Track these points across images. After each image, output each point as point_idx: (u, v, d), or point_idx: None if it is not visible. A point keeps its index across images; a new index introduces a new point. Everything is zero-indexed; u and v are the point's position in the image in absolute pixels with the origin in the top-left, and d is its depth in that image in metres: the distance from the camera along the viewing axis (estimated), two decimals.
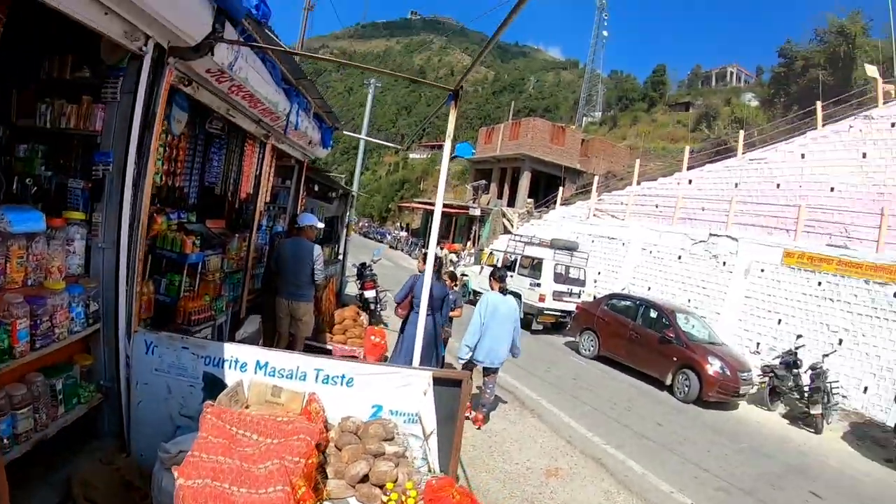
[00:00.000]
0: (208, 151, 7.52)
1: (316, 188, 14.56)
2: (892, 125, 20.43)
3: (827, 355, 14.04)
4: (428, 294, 6.13)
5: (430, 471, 4.66)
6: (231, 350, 4.68)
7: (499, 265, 18.08)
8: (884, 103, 21.92)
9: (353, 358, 9.20)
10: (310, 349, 8.60)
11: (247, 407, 4.37)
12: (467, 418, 8.56)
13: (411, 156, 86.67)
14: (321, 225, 9.99)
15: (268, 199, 9.49)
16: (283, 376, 4.66)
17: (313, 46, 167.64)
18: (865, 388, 14.27)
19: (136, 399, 4.57)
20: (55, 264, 3.94)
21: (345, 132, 19.66)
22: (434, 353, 8.59)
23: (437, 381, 4.94)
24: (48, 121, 4.56)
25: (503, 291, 9.16)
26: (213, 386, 4.50)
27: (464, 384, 5.00)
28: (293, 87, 7.72)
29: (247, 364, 4.64)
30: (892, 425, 11.49)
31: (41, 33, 4.55)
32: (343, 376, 4.77)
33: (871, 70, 27.12)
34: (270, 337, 8.61)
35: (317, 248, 8.42)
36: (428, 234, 37.29)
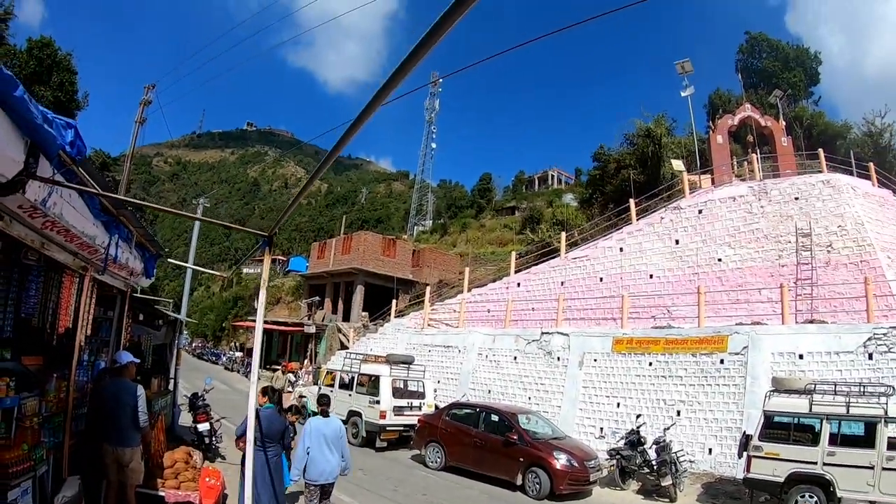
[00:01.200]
0: (25, 281, 6.92)
1: (141, 316, 13.55)
2: (699, 212, 22.29)
3: (668, 428, 14.89)
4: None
5: None
6: None
7: (327, 392, 17.52)
8: (690, 193, 23.77)
9: None
10: (141, 498, 7.98)
11: None
12: None
13: (245, 270, 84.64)
14: (136, 360, 9.11)
15: (88, 332, 8.66)
16: None
17: (148, 154, 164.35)
18: (710, 450, 15.06)
19: None
20: None
21: (171, 260, 18.78)
22: (274, 486, 8.14)
23: None
24: None
25: (325, 414, 8.91)
26: None
27: None
28: (113, 219, 7.27)
29: None
30: (741, 478, 12.40)
31: None
32: None
33: (677, 164, 29.45)
34: (97, 487, 7.74)
35: (139, 389, 7.74)
36: (264, 353, 35.66)
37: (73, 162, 5.42)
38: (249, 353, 50.56)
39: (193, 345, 63.32)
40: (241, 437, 8.01)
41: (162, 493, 8.76)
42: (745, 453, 12.22)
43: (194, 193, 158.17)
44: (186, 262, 25.40)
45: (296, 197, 5.41)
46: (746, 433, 12.63)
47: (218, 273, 50.96)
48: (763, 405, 12.48)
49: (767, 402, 12.39)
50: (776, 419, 12.10)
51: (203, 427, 13.76)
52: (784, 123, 32.98)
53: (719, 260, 21.73)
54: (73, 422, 7.85)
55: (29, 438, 6.11)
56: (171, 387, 16.07)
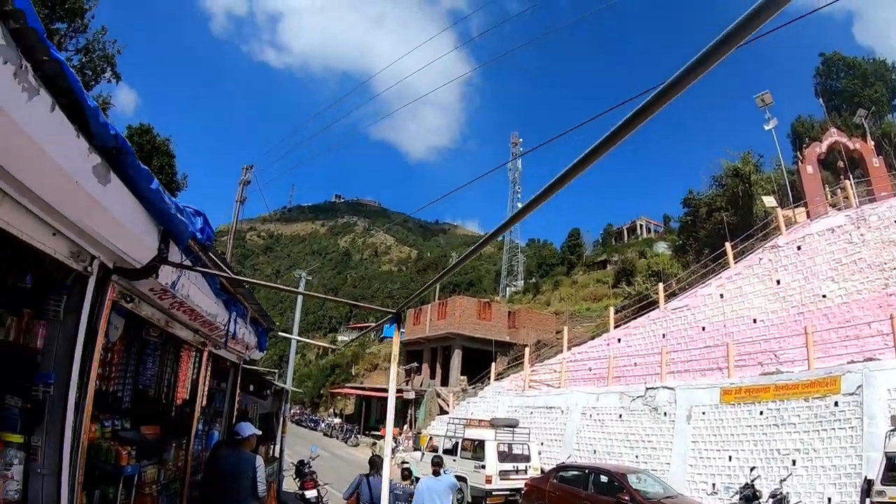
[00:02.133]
0: (142, 355, 7.21)
1: (251, 386, 14.08)
2: (798, 248, 21.77)
3: (784, 479, 14.20)
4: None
5: None
6: None
7: (439, 452, 18.78)
8: (786, 229, 23.24)
9: None
10: None
11: None
12: None
13: (340, 338, 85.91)
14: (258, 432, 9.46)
15: (204, 402, 9.09)
16: None
17: (242, 229, 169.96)
18: (829, 500, 14.20)
19: None
20: None
21: (282, 333, 19.48)
22: None
23: None
24: None
25: (437, 473, 10.03)
26: None
27: None
28: (231, 297, 7.78)
29: None
30: None
31: None
32: None
33: (769, 200, 28.80)
34: None
35: (258, 460, 7.96)
36: (362, 420, 36.33)
37: (203, 248, 5.84)
38: (348, 419, 51.25)
39: (292, 412, 64.56)
40: (348, 498, 9.58)
41: None
42: (867, 500, 11.67)
43: (287, 265, 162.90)
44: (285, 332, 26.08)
45: (433, 281, 5.61)
46: (867, 478, 12.16)
47: (326, 344, 51.93)
48: (883, 446, 11.93)
49: (888, 442, 11.86)
50: None
51: (311, 494, 14.08)
52: (873, 143, 32.01)
53: (824, 296, 20.95)
54: (189, 489, 8.15)
55: None
56: (277, 454, 16.40)
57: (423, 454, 21.06)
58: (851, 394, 15.02)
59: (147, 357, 7.28)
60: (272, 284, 15.34)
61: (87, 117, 3.21)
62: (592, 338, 30.03)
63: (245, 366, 12.25)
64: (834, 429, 15.01)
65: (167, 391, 7.88)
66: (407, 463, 20.77)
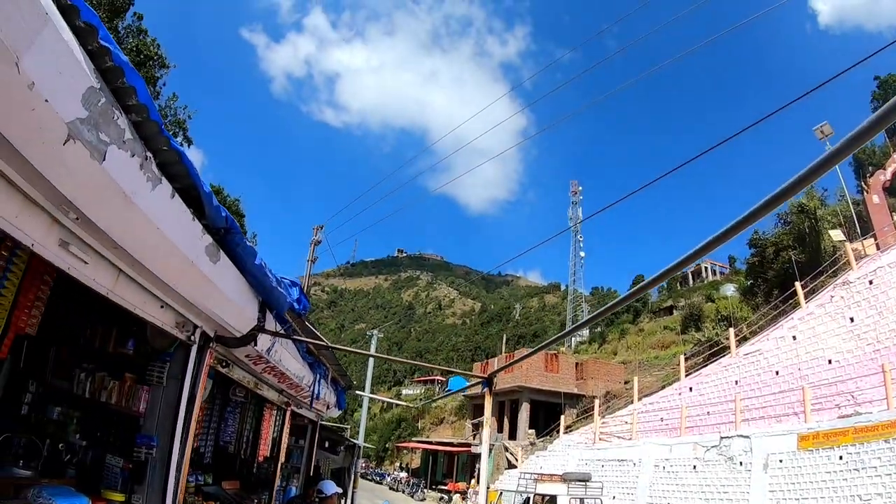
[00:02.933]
0: (224, 412, 7.52)
1: (326, 443, 14.34)
2: (870, 283, 21.19)
3: None
4: None
5: None
6: None
7: None
8: (856, 264, 22.69)
9: None
10: None
11: None
12: None
13: (404, 391, 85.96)
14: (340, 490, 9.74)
15: (283, 459, 9.36)
16: None
17: (307, 285, 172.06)
18: None
19: None
20: None
21: (358, 392, 19.82)
22: None
23: None
24: (87, 391, 4.63)
25: None
26: None
27: None
28: (316, 359, 8.05)
29: None
30: None
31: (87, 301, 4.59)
32: None
33: (836, 234, 28.18)
34: None
35: None
36: (428, 474, 36.14)
37: (298, 317, 6.06)
38: (414, 473, 51.08)
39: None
40: None
41: None
42: None
43: (351, 319, 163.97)
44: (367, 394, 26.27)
45: (532, 351, 5.81)
46: None
47: (398, 401, 52.10)
48: None
49: None
50: None
51: None
52: None
53: None
54: None
55: None
56: None
57: None
58: None
59: (228, 414, 7.58)
60: (360, 350, 15.49)
61: (203, 202, 3.47)
62: (663, 387, 29.54)
63: (323, 423, 12.54)
64: None
65: (247, 447, 8.12)
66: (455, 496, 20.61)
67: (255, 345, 5.20)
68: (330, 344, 7.49)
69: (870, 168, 38.60)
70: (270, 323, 5.34)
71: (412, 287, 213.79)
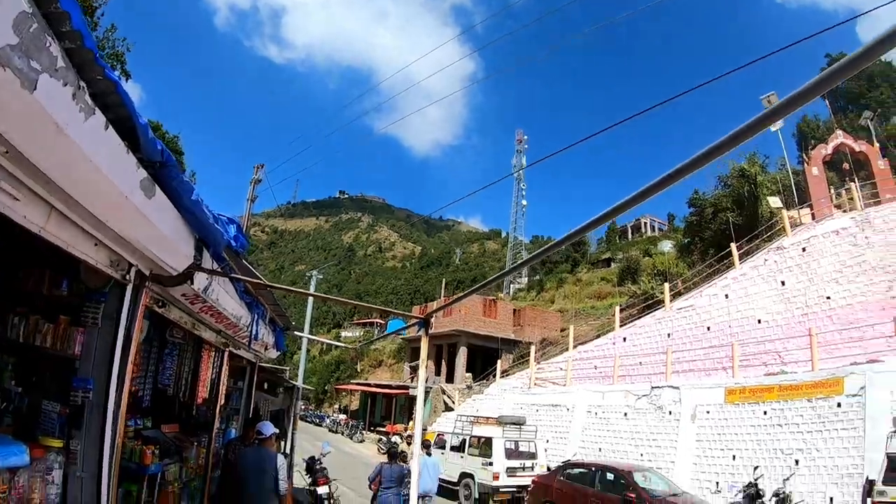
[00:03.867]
0: (162, 354, 7.34)
1: (264, 385, 14.27)
2: (803, 250, 22.06)
3: (787, 479, 14.54)
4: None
5: None
6: None
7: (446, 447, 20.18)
8: (791, 231, 23.53)
9: None
10: None
11: None
12: None
13: (344, 333, 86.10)
14: (278, 431, 9.71)
15: (222, 401, 9.23)
16: None
17: (246, 225, 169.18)
18: (831, 500, 14.42)
19: None
20: (36, 497, 3.75)
21: (297, 332, 19.55)
22: None
23: None
24: (21, 335, 4.47)
25: (429, 453, 14.47)
26: None
27: None
28: (254, 299, 7.89)
29: None
30: None
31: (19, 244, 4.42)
32: None
33: (775, 201, 29.01)
34: None
35: (280, 458, 8.13)
36: (367, 416, 36.19)
37: (235, 255, 5.98)
38: (353, 415, 51.38)
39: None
40: (372, 481, 12.29)
41: None
42: (868, 500, 11.87)
43: (291, 261, 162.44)
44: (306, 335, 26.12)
45: (469, 291, 5.82)
46: (869, 478, 12.37)
47: (340, 344, 52.09)
48: (885, 447, 12.14)
49: (890, 443, 12.06)
50: None
51: (323, 490, 14.10)
52: (878, 145, 32.02)
53: (828, 298, 21.17)
54: (210, 486, 8.39)
55: (170, 502, 6.55)
56: (288, 450, 16.50)
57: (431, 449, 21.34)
58: (854, 395, 15.24)
59: (166, 357, 7.41)
60: (300, 290, 15.24)
61: (138, 134, 3.36)
62: (598, 336, 30.23)
63: (262, 365, 12.47)
64: (836, 429, 15.23)
65: (186, 390, 7.99)
66: (397, 444, 21.00)
67: (192, 284, 5.09)
68: (268, 283, 7.41)
69: (812, 141, 39.50)
70: (207, 261, 5.24)
71: (353, 229, 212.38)
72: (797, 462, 15.65)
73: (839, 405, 15.45)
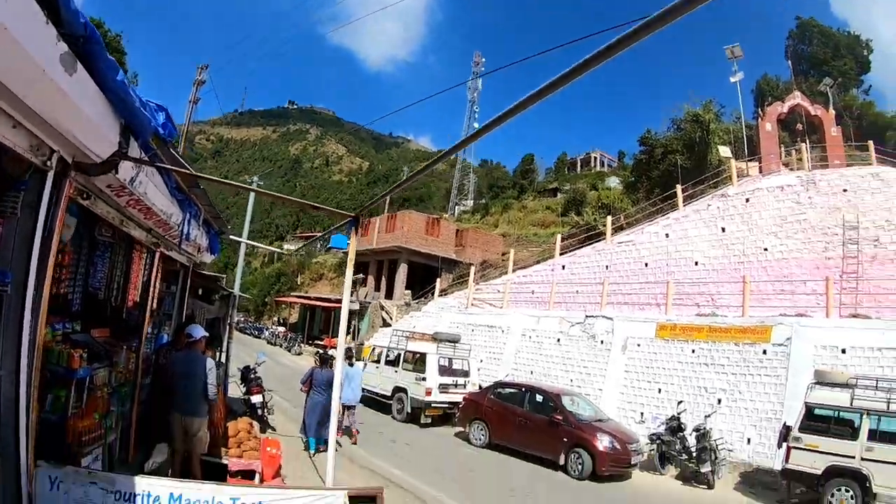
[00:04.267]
0: (93, 256, 7.11)
1: (199, 291, 14.04)
2: (747, 200, 22.44)
3: (708, 416, 15.04)
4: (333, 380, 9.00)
5: None
6: (143, 484, 4.37)
7: (380, 361, 20.72)
8: (737, 181, 23.92)
9: (251, 472, 8.94)
10: (206, 465, 8.26)
11: None
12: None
13: (286, 246, 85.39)
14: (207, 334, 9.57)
15: (154, 305, 9.01)
16: None
17: (190, 132, 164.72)
18: (749, 440, 15.20)
19: None
20: None
21: (232, 237, 19.01)
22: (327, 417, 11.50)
23: (353, 500, 4.82)
24: None
25: (351, 364, 15.21)
26: None
27: (378, 500, 5.00)
28: (186, 197, 7.58)
29: (160, 497, 4.34)
30: (779, 469, 12.60)
31: None
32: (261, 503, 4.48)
33: (725, 151, 29.41)
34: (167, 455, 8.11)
35: (210, 362, 8.14)
36: (306, 329, 36.12)
37: (163, 144, 5.68)
38: (292, 328, 51.22)
39: (236, 319, 64.15)
40: (304, 383, 13.52)
41: (226, 461, 9.02)
42: (784, 444, 12.39)
43: (236, 170, 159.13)
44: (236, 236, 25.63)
45: (388, 191, 5.77)
46: (786, 424, 12.82)
47: (278, 250, 51.41)
48: (805, 397, 12.59)
49: (809, 393, 12.51)
50: (817, 412, 12.24)
51: (256, 399, 14.14)
52: (834, 112, 32.55)
53: (765, 249, 21.75)
54: (140, 391, 8.23)
55: (100, 408, 6.41)
56: (223, 360, 16.33)
57: (366, 363, 21.48)
58: (780, 344, 15.86)
59: (97, 259, 7.20)
60: (230, 182, 14.93)
61: (58, 3, 3.16)
62: (538, 262, 30.58)
63: (195, 269, 12.18)
64: (760, 375, 15.92)
65: (118, 294, 7.80)
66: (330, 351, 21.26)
67: (117, 173, 4.86)
68: (198, 174, 7.13)
69: (770, 98, 39.91)
70: (135, 150, 5.02)
71: (301, 141, 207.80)
72: (720, 401, 16.33)
73: (765, 352, 16.10)
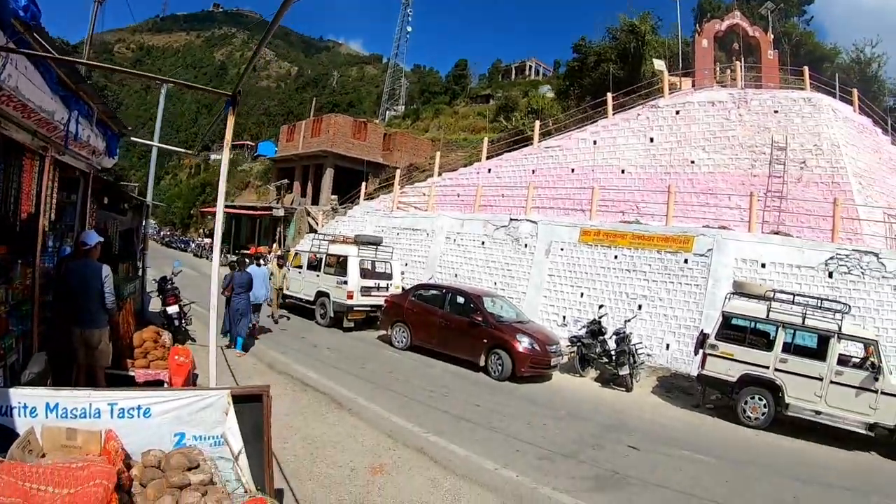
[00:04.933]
0: None
1: (106, 200, 13.23)
2: (677, 112, 22.39)
3: (629, 320, 15.31)
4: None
5: (245, 492, 4.22)
6: (17, 395, 4.04)
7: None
8: (669, 93, 23.74)
9: (159, 383, 8.69)
10: (111, 379, 7.98)
11: (42, 456, 3.74)
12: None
13: (212, 157, 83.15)
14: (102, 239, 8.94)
15: (52, 217, 8.34)
16: (76, 416, 4.10)
17: (108, 41, 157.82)
18: (668, 346, 15.66)
19: None
20: None
21: (135, 139, 17.93)
22: (249, 317, 14.53)
23: (238, 399, 4.66)
24: None
25: (259, 265, 16.15)
26: (4, 438, 3.76)
27: (265, 398, 4.80)
28: (72, 93, 6.95)
29: (36, 408, 4.03)
30: (695, 375, 12.96)
31: None
32: (139, 407, 4.31)
33: (659, 64, 29.22)
34: (68, 372, 7.70)
35: (105, 269, 7.68)
36: (231, 238, 35.52)
37: (27, 28, 5.16)
38: None
39: (162, 233, 62.81)
40: (225, 287, 13.93)
41: (132, 374, 8.83)
42: (701, 351, 12.64)
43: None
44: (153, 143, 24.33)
45: (255, 50, 5.16)
46: (704, 332, 13.09)
47: (184, 151, 49.63)
48: (723, 306, 12.77)
49: (727, 303, 12.70)
50: (734, 321, 12.45)
51: (172, 310, 13.74)
52: (772, 37, 32.47)
53: (692, 162, 21.79)
54: (41, 308, 7.73)
55: None
56: (139, 272, 16.02)
57: (289, 269, 21.19)
58: (702, 255, 16.08)
59: None
60: (111, 66, 13.93)
61: None
62: (465, 166, 30.17)
63: (99, 176, 11.39)
64: (681, 283, 16.18)
65: (13, 208, 7.25)
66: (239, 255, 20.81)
67: None
68: (72, 59, 6.51)
69: (708, 15, 39.63)
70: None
71: (227, 46, 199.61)
72: (640, 307, 16.59)
73: (686, 262, 16.32)
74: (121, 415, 4.22)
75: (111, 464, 3.56)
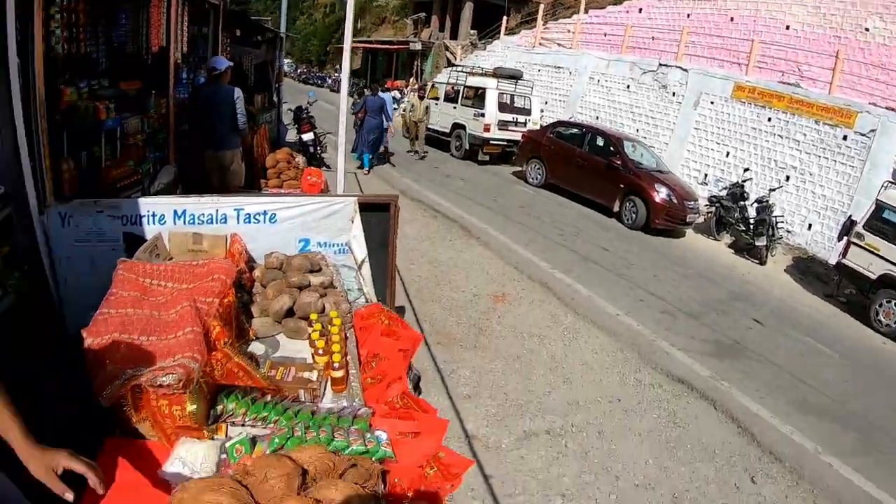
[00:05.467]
0: (114, 10, 6.53)
1: (239, 33, 13.38)
2: None
3: (773, 190, 14.33)
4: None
5: (367, 301, 4.29)
6: (146, 204, 4.21)
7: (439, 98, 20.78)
8: None
9: None
10: None
11: (170, 259, 3.94)
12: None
13: None
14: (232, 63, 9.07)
15: (184, 49, 8.51)
16: (203, 222, 4.28)
17: None
18: (810, 226, 14.57)
19: (62, 276, 4.07)
20: None
21: None
22: (381, 140, 15.87)
23: (364, 207, 4.69)
24: None
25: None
26: (134, 245, 3.96)
27: (392, 207, 4.82)
28: None
29: (164, 216, 4.22)
30: (833, 263, 12.02)
31: None
32: (265, 213, 4.44)
33: None
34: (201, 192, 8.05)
35: (237, 91, 7.84)
36: (368, 74, 35.89)
37: None
38: (354, 74, 50.58)
39: (299, 71, 63.38)
40: (359, 109, 15.70)
41: (265, 192, 8.95)
42: (845, 238, 11.68)
43: None
44: None
45: None
46: (851, 218, 12.13)
47: None
48: (877, 194, 11.60)
49: (883, 192, 11.45)
50: (887, 213, 11.17)
51: (307, 136, 14.37)
52: None
53: (866, 30, 19.40)
54: (176, 137, 8.07)
55: (134, 156, 6.43)
56: (276, 104, 16.24)
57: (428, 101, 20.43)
58: (863, 134, 14.51)
59: (119, 11, 6.63)
60: None
61: None
62: (614, 4, 28.25)
63: (231, 8, 11.40)
64: (836, 161, 14.79)
65: (146, 44, 7.31)
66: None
67: None
68: None
69: None
70: None
71: None
72: (788, 178, 15.45)
73: (845, 138, 14.74)
74: (247, 220, 4.39)
75: (234, 264, 3.69)
